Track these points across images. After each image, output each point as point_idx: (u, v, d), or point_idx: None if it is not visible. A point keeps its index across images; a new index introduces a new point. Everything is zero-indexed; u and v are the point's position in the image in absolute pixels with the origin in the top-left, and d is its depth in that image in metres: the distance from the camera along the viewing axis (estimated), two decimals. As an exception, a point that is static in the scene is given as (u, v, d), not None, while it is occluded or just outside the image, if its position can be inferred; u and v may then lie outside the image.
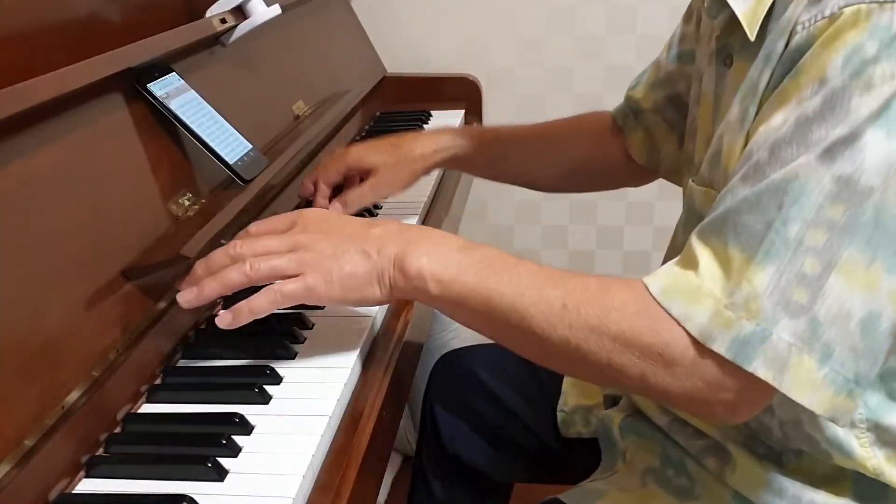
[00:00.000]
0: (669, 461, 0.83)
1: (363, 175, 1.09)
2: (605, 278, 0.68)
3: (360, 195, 1.07)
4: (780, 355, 0.59)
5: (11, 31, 0.77)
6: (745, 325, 0.59)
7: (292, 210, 1.11)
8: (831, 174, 0.58)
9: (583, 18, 1.75)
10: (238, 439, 0.67)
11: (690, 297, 0.62)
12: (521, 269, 0.69)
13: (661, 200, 1.85)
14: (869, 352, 0.59)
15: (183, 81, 0.93)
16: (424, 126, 1.55)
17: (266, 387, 0.73)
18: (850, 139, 0.58)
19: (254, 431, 0.68)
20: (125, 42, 0.84)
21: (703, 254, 0.63)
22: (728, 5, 0.69)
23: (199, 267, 0.74)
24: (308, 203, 1.10)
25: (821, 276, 0.58)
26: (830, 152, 0.58)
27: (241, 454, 0.66)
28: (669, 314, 0.62)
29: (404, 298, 0.73)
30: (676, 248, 0.88)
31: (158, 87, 0.89)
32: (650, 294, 0.64)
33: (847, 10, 0.59)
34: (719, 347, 0.60)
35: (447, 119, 1.61)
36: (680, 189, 0.95)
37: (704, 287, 0.62)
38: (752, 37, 0.68)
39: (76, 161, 0.76)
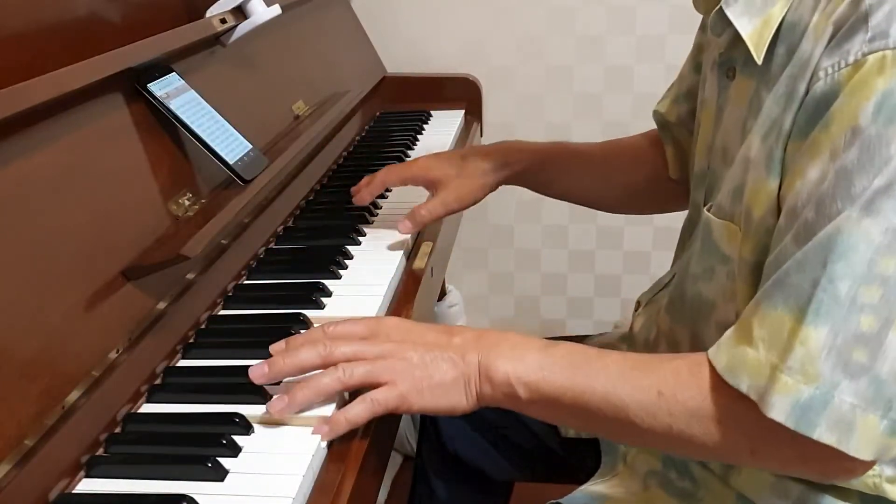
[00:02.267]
0: (672, 463, 0.83)
1: (428, 187, 1.06)
2: (689, 358, 0.67)
3: (430, 210, 1.02)
4: (845, 418, 0.58)
5: (11, 31, 0.77)
6: (803, 389, 0.59)
7: (294, 211, 1.11)
8: (878, 227, 0.57)
9: (583, 18, 1.75)
10: (238, 439, 0.67)
11: (753, 371, 0.61)
12: (607, 360, 0.68)
13: (661, 200, 1.84)
14: None
15: (183, 81, 0.93)
16: (424, 126, 1.55)
17: (266, 387, 0.73)
18: (891, 188, 0.57)
19: (254, 431, 0.68)
20: (125, 42, 0.84)
21: (755, 324, 0.62)
22: (731, 24, 0.69)
23: (286, 364, 0.71)
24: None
25: (880, 332, 0.58)
26: (873, 204, 0.57)
27: (241, 454, 0.66)
28: (739, 391, 0.62)
29: (491, 406, 0.71)
30: (683, 273, 0.87)
31: (158, 87, 0.89)
32: (714, 371, 0.64)
33: (871, 58, 0.59)
34: (778, 415, 0.59)
35: (447, 119, 1.60)
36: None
37: (761, 357, 0.61)
38: (759, 60, 0.68)
39: (76, 161, 0.76)
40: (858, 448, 0.59)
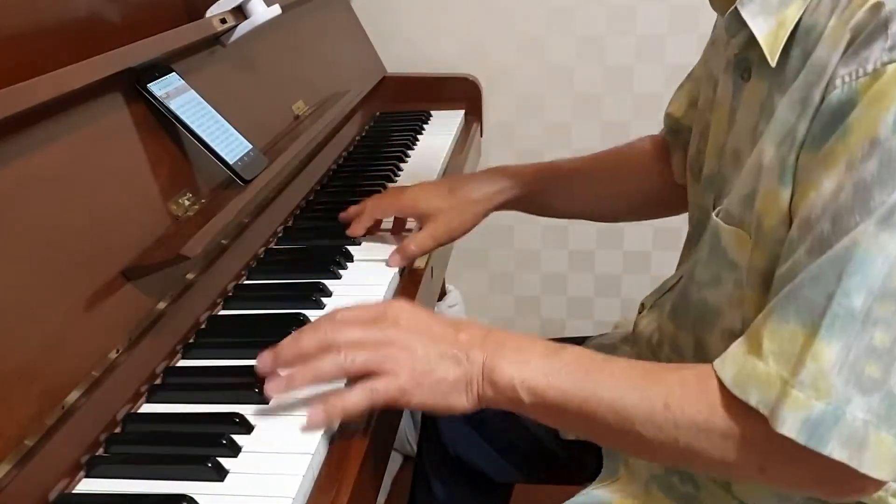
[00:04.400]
0: (674, 467, 0.83)
1: (417, 219, 1.05)
2: (698, 368, 0.66)
3: (420, 245, 1.00)
4: (857, 434, 0.57)
5: (11, 31, 0.77)
6: (815, 405, 0.58)
7: (294, 211, 1.11)
8: (895, 242, 0.56)
9: (583, 18, 1.75)
10: (238, 439, 0.67)
11: (763, 385, 0.60)
12: (613, 368, 0.67)
13: (661, 200, 1.84)
14: None
15: (183, 81, 0.93)
16: (424, 126, 1.55)
17: (267, 387, 0.73)
18: None
19: (254, 431, 0.68)
20: (125, 42, 0.84)
21: (765, 337, 0.61)
22: (746, 25, 0.68)
23: (288, 350, 0.70)
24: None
25: (892, 347, 0.57)
26: (891, 218, 0.56)
27: (241, 454, 0.66)
28: (748, 404, 0.61)
29: (493, 408, 0.70)
30: (685, 254, 0.87)
31: (158, 87, 0.89)
32: (722, 384, 0.63)
33: (890, 67, 0.57)
34: (789, 431, 0.58)
35: (447, 119, 1.60)
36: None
37: (771, 371, 0.60)
38: (772, 63, 0.66)
39: (76, 161, 0.76)
40: (871, 466, 0.57)
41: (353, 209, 1.07)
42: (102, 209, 0.77)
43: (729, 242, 0.72)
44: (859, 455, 0.57)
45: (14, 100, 0.67)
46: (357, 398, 0.67)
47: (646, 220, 1.19)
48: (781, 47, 0.66)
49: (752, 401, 0.60)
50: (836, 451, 0.57)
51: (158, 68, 0.91)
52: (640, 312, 0.97)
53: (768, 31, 0.67)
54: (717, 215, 0.74)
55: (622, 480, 0.87)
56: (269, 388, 0.69)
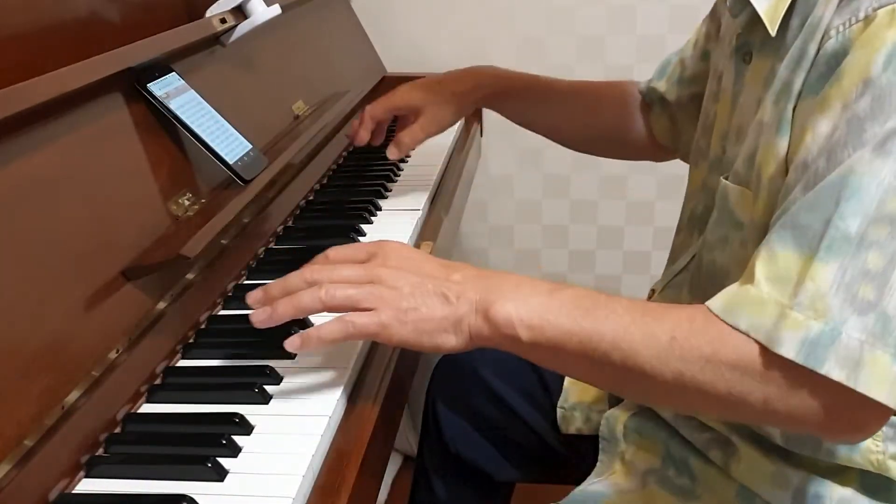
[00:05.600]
0: (672, 460, 0.83)
1: (411, 114, 1.15)
2: (696, 308, 0.65)
3: (411, 135, 1.13)
4: (853, 353, 0.57)
5: (11, 31, 0.77)
6: (812, 325, 0.58)
7: (294, 211, 1.11)
8: (889, 167, 0.58)
9: (583, 18, 1.75)
10: (238, 439, 0.67)
11: (755, 308, 0.60)
12: (616, 305, 0.66)
13: (661, 200, 1.84)
14: None
15: (183, 81, 0.93)
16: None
17: (266, 387, 0.73)
18: None
19: (254, 431, 0.68)
20: (125, 42, 0.84)
21: (758, 266, 0.62)
22: (750, 3, 0.70)
23: (275, 287, 0.71)
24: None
25: (885, 269, 0.58)
26: (884, 145, 0.58)
27: (241, 454, 0.66)
28: (738, 329, 0.61)
29: (487, 346, 0.69)
30: (685, 241, 0.88)
31: (158, 87, 0.89)
32: (714, 315, 0.62)
33: (881, 11, 0.60)
34: (788, 352, 0.58)
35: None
36: (679, 188, 0.95)
37: (764, 294, 0.60)
38: (772, 32, 0.68)
39: (76, 161, 0.76)
40: (868, 385, 0.57)
41: (354, 122, 1.18)
42: (102, 209, 0.77)
43: (735, 202, 0.74)
44: (856, 374, 0.57)
45: (14, 100, 0.67)
46: (334, 329, 0.68)
47: (613, 158, 1.25)
48: (781, 17, 0.68)
49: (742, 325, 0.61)
50: (833, 370, 0.58)
51: (158, 68, 0.91)
52: (649, 298, 0.96)
53: (768, 6, 0.69)
54: (725, 178, 0.76)
55: (619, 474, 0.87)
56: (254, 316, 0.71)
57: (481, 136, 1.69)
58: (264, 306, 0.71)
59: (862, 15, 0.61)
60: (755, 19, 0.70)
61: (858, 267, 0.58)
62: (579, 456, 0.98)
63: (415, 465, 1.14)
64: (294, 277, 0.71)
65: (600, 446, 0.92)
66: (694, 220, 0.89)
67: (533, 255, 1.92)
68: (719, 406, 0.64)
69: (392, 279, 0.69)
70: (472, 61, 1.18)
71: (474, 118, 1.68)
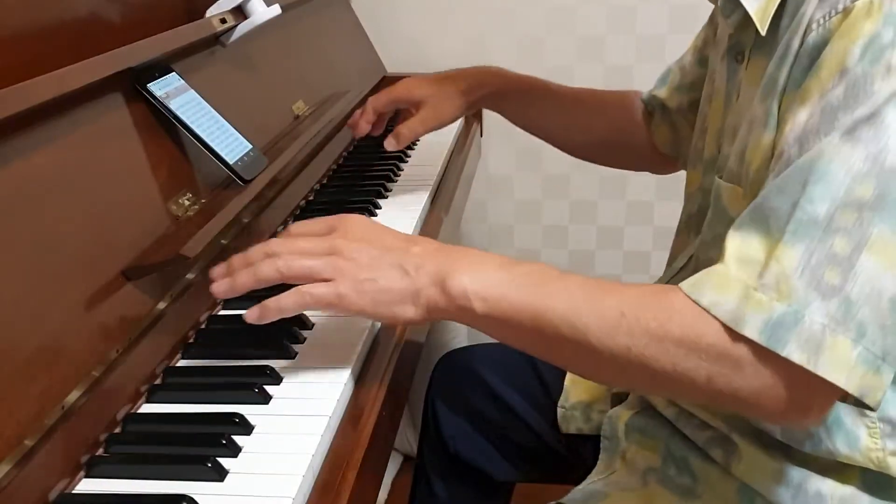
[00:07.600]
0: (672, 459, 0.83)
1: (410, 106, 1.16)
2: (658, 286, 0.66)
3: (410, 128, 1.14)
4: (815, 337, 0.58)
5: (11, 31, 0.77)
6: (776, 306, 0.59)
7: (294, 210, 1.11)
8: (857, 153, 0.58)
9: (583, 18, 1.75)
10: (238, 439, 0.67)
11: (719, 286, 0.61)
12: (569, 281, 0.67)
13: (660, 200, 1.84)
14: None
15: (183, 81, 0.93)
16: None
17: (266, 387, 0.73)
18: (873, 118, 0.58)
19: (254, 431, 0.68)
20: (125, 42, 0.84)
21: (728, 246, 0.63)
22: (741, 4, 0.70)
23: (237, 259, 0.73)
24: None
25: (851, 255, 0.58)
26: (853, 132, 0.59)
27: (241, 454, 0.66)
28: (699, 305, 0.61)
29: (442, 319, 0.70)
30: (683, 243, 0.88)
31: (158, 87, 0.89)
32: (682, 292, 0.63)
33: (859, 3, 0.60)
34: (751, 332, 0.59)
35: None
36: (679, 188, 0.95)
37: (731, 273, 0.61)
38: (762, 31, 0.69)
39: (76, 161, 0.76)
40: (827, 368, 0.58)
41: (356, 113, 1.19)
42: (102, 209, 0.77)
43: (728, 199, 0.74)
44: (816, 358, 0.58)
45: (14, 100, 0.67)
46: (290, 299, 0.70)
47: (613, 166, 1.25)
48: (771, 16, 0.68)
49: (704, 301, 0.61)
50: (794, 353, 0.58)
51: (158, 68, 0.91)
52: None
53: (758, 7, 0.69)
54: (719, 177, 0.76)
55: (619, 473, 0.87)
56: (215, 287, 0.73)
57: (481, 136, 1.69)
58: (226, 272, 0.73)
59: (841, 7, 0.62)
60: (747, 19, 0.71)
61: (825, 251, 0.58)
62: (579, 455, 0.99)
63: (415, 464, 1.14)
64: (255, 249, 0.73)
65: (602, 445, 0.92)
66: (691, 222, 0.89)
67: (533, 255, 1.92)
68: (663, 382, 0.64)
69: (351, 251, 0.70)
70: (472, 61, 1.18)
71: (474, 118, 1.68)
